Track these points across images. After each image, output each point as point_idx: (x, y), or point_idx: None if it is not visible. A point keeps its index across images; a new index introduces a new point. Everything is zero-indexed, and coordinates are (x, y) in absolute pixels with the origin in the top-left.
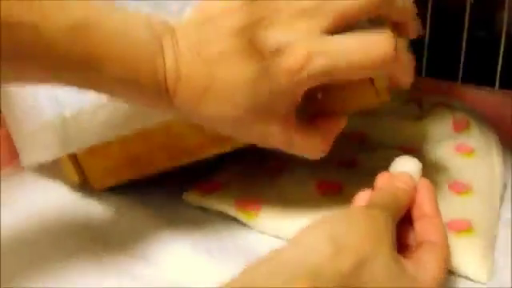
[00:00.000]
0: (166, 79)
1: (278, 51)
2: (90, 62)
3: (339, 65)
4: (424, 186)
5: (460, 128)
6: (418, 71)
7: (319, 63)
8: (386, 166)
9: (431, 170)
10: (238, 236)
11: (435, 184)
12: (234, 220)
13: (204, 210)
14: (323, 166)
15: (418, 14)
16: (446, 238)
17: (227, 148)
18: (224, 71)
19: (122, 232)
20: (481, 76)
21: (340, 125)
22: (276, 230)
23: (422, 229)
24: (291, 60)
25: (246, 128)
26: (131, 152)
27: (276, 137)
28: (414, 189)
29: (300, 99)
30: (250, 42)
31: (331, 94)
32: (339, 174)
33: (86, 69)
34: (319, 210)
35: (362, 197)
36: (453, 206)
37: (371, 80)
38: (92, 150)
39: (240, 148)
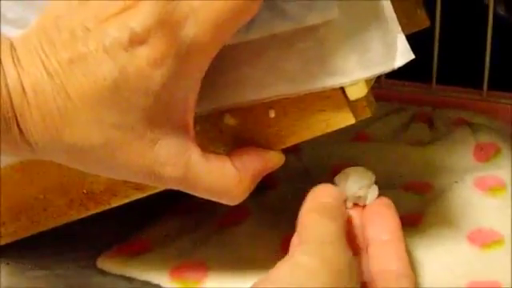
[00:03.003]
0: (12, 105)
1: (134, 41)
2: None
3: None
4: (381, 205)
5: (485, 156)
6: (426, 77)
7: (188, 32)
8: None
9: (446, 214)
10: None
11: (451, 233)
12: None
13: (127, 279)
14: (295, 213)
15: None
16: (408, 266)
17: (148, 191)
18: (76, 81)
19: None
20: None
21: (268, 163)
22: None
23: (379, 256)
24: (152, 48)
25: (123, 156)
26: (17, 197)
27: (169, 165)
28: (344, 203)
29: (190, 101)
30: (101, 38)
31: (287, 112)
32: None
33: None
34: None
35: None
36: (475, 264)
37: (342, 90)
38: None
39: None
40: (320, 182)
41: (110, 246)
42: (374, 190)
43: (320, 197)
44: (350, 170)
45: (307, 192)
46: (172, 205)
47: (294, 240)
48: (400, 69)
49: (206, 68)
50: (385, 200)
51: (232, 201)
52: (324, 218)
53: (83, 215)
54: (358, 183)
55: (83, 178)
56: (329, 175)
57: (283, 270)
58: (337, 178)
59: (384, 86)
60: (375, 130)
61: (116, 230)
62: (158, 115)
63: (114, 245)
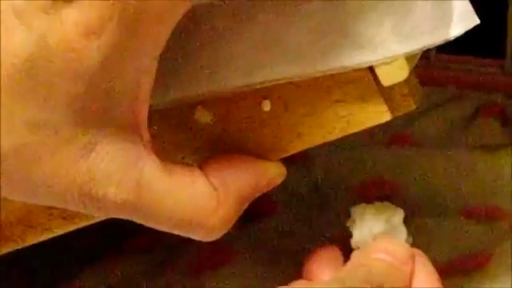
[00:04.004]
0: None
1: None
2: None
3: None
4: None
5: None
6: (496, 51)
7: None
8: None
9: None
10: None
11: None
12: None
13: None
14: (300, 253)
15: None
16: None
17: (80, 222)
18: None
19: None
20: None
21: (262, 179)
22: None
23: None
24: (85, 10)
25: (43, 170)
26: None
27: (112, 183)
28: (409, 262)
29: (143, 89)
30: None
31: (288, 104)
32: None
33: None
34: None
35: None
36: None
37: (372, 71)
38: None
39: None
40: (338, 206)
41: None
42: (400, 233)
43: (377, 252)
44: (367, 208)
45: (318, 220)
46: (119, 241)
47: None
48: (458, 40)
49: (166, 40)
50: (413, 251)
51: (206, 235)
52: (363, 270)
53: None
54: (375, 226)
55: None
56: (351, 197)
57: None
58: (352, 213)
59: (435, 64)
60: (421, 129)
61: (37, 277)
62: (95, 109)
63: None
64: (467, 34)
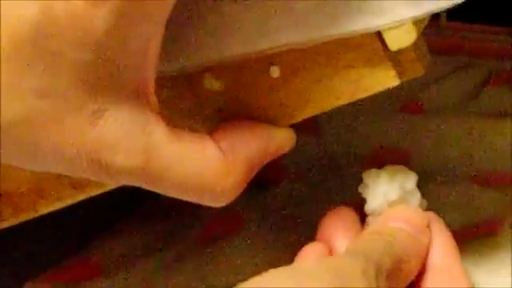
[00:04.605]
0: None
1: None
2: None
3: None
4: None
5: None
6: (507, 17)
7: None
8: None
9: None
10: None
11: None
12: None
13: None
14: (311, 222)
15: None
16: None
17: (91, 190)
18: None
19: None
20: None
21: (270, 145)
22: None
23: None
24: None
25: (52, 138)
26: None
27: (120, 149)
28: (427, 232)
29: (150, 54)
30: None
31: (297, 70)
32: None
33: None
34: None
35: (310, 251)
36: None
37: (379, 36)
38: None
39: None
40: (349, 173)
41: (39, 271)
42: (415, 198)
43: (395, 220)
44: (380, 173)
45: (329, 187)
46: (129, 210)
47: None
48: (469, 7)
49: (172, 5)
50: (429, 216)
51: (216, 200)
52: (383, 241)
53: None
54: (389, 192)
55: None
56: (362, 164)
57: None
58: (364, 178)
59: (446, 32)
60: (431, 96)
61: (50, 248)
62: (102, 77)
63: (46, 269)
64: (477, 1)
